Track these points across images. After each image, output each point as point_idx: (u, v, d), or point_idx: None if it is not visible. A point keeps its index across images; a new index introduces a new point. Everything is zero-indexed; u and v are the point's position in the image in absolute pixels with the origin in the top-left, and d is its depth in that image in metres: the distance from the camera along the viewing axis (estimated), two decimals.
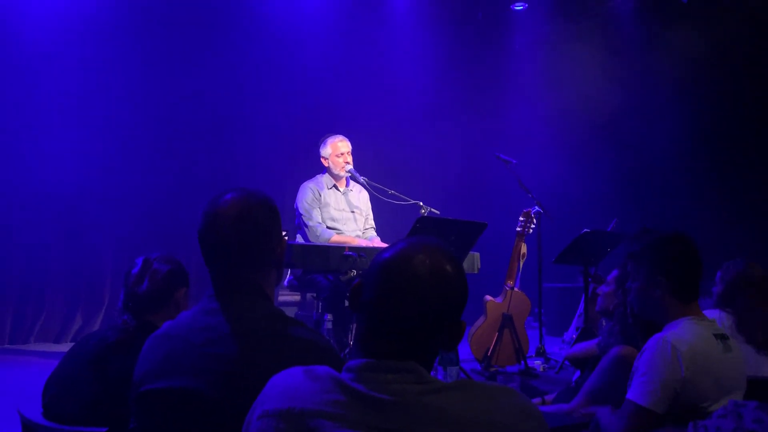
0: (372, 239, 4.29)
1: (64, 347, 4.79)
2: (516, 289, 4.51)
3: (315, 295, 4.00)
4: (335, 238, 4.08)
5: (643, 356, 1.80)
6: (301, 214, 4.18)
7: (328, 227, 4.19)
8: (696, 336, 1.80)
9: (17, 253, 5.10)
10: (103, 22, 5.38)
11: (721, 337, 1.86)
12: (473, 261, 4.04)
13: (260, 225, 1.36)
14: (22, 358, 4.74)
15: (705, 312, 2.75)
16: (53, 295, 5.31)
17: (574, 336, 4.80)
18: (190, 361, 1.25)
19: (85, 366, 1.72)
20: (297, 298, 5.59)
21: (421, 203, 4.07)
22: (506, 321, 4.38)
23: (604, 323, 3.74)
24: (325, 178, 4.33)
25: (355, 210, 4.35)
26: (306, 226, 4.14)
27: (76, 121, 5.30)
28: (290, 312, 4.95)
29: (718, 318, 2.69)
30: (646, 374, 1.76)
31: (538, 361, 4.57)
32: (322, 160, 4.32)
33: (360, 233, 4.33)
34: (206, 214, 1.36)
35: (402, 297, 0.99)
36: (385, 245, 3.41)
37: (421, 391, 0.94)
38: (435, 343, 1.03)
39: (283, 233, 1.44)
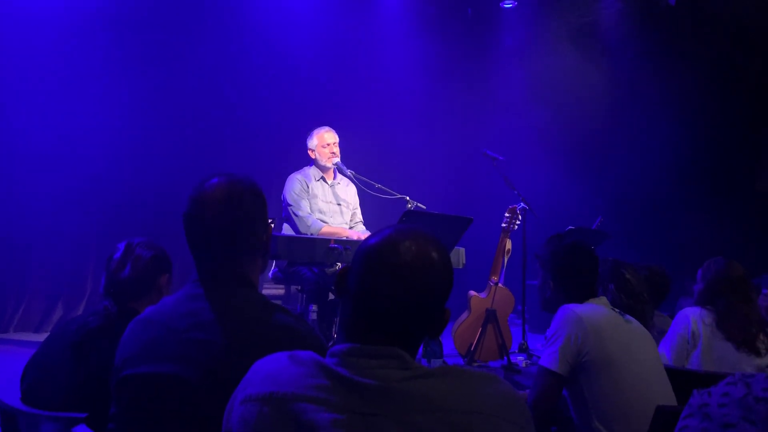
0: (364, 233, 4.26)
1: (45, 337, 4.73)
2: (500, 284, 4.52)
3: (300, 288, 3.97)
4: (326, 229, 4.04)
5: (552, 324, 2.05)
6: (290, 205, 4.13)
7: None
8: (597, 308, 2.08)
9: None
10: (92, 13, 5.30)
11: (618, 313, 2.11)
12: (458, 256, 4.04)
13: (246, 210, 1.35)
14: (1, 347, 4.67)
15: (686, 309, 2.80)
16: (34, 283, 5.25)
17: None
18: (172, 347, 1.24)
19: (65, 351, 1.70)
20: (281, 291, 5.57)
21: (408, 197, 4.07)
22: (490, 316, 4.39)
23: None
24: (312, 170, 4.30)
25: (342, 203, 4.33)
26: (296, 216, 4.09)
27: (56, 110, 5.22)
28: None
29: (698, 315, 2.72)
30: (551, 340, 2.01)
31: (520, 357, 4.59)
32: (309, 152, 4.29)
33: (346, 226, 4.31)
34: (191, 198, 1.35)
35: (387, 283, 0.98)
36: None
37: (405, 376, 0.94)
38: (419, 330, 1.03)
39: (269, 220, 1.43)
